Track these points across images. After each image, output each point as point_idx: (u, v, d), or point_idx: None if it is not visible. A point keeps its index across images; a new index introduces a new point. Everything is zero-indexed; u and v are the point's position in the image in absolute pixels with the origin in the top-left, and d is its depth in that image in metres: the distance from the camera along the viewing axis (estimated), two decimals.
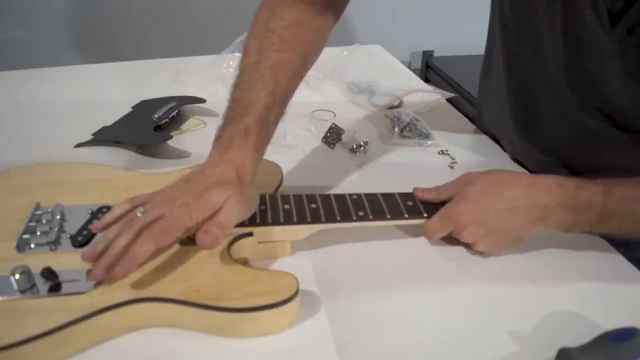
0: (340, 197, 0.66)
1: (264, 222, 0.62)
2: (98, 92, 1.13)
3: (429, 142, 0.92)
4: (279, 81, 0.65)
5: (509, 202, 0.61)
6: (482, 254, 0.64)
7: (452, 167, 0.85)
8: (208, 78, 1.15)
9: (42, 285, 0.54)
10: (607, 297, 0.59)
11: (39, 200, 0.65)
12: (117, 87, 1.16)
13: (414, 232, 0.68)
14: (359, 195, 0.67)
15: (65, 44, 1.84)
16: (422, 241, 0.67)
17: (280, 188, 0.71)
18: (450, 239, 0.65)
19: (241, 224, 0.61)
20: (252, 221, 0.61)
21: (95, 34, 1.90)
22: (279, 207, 0.64)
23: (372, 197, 0.66)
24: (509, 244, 0.63)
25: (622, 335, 0.47)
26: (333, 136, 0.90)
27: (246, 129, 0.62)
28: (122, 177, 0.71)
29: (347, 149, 0.90)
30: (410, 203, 0.66)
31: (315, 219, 0.63)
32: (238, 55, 1.14)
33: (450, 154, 0.89)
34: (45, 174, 0.70)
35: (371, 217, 0.63)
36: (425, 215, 0.65)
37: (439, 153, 0.90)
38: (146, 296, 0.52)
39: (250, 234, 0.61)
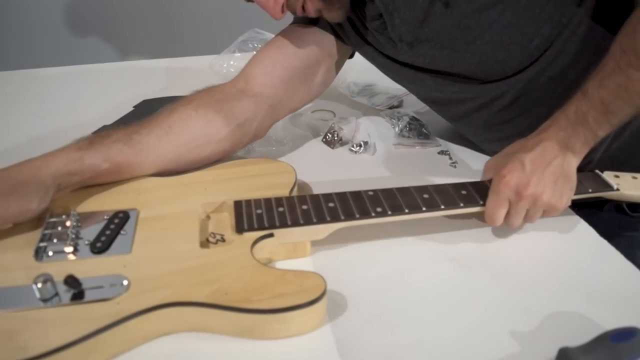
0: (357, 195, 0.66)
1: (283, 224, 0.61)
2: (98, 92, 1.12)
3: (429, 142, 0.92)
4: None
5: (533, 149, 0.65)
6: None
7: (454, 167, 0.86)
8: (208, 78, 1.13)
9: (65, 294, 0.52)
10: (607, 297, 0.59)
11: (52, 207, 0.64)
12: (117, 87, 1.15)
13: (415, 231, 0.68)
14: (374, 191, 0.66)
15: (65, 44, 1.81)
16: (422, 241, 0.67)
17: (295, 188, 0.70)
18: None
19: (262, 227, 0.60)
20: (272, 223, 0.61)
21: (95, 34, 1.86)
22: (297, 208, 0.63)
23: (388, 193, 0.66)
24: (565, 186, 0.65)
25: (622, 335, 0.47)
26: (333, 136, 0.91)
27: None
28: (136, 182, 0.70)
29: (347, 149, 0.90)
30: (426, 196, 0.66)
31: (334, 218, 0.62)
32: (238, 55, 1.15)
33: (450, 154, 0.90)
34: None
35: (389, 212, 0.63)
36: (460, 204, 0.66)
37: (439, 153, 0.90)
38: (174, 301, 0.52)
39: (271, 235, 0.61)
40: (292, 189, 0.69)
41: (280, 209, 0.63)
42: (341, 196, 0.66)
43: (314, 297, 0.52)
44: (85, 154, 0.65)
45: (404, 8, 0.73)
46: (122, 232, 0.61)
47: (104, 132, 0.70)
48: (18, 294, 0.52)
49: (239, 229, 0.60)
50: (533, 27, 0.69)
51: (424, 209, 0.64)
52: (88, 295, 0.52)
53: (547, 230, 0.69)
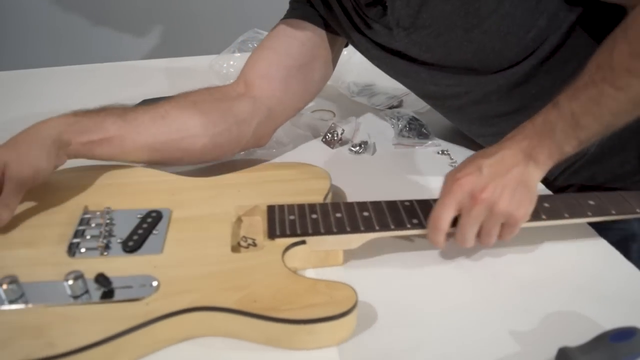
0: (392, 204, 0.64)
1: (316, 232, 0.60)
2: (98, 92, 1.12)
3: (429, 142, 0.91)
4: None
5: (492, 156, 0.61)
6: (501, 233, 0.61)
7: (454, 167, 0.84)
8: (208, 78, 1.14)
9: (95, 292, 0.52)
10: (607, 297, 0.59)
11: (87, 203, 0.64)
12: (117, 87, 1.15)
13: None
14: (411, 202, 0.65)
15: (65, 44, 1.83)
16: (422, 241, 0.66)
17: (329, 194, 0.69)
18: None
19: (294, 234, 0.59)
20: (304, 230, 0.60)
21: (95, 34, 1.88)
22: (331, 215, 0.62)
23: (425, 204, 0.64)
24: (525, 197, 0.60)
25: (622, 335, 0.47)
26: (333, 136, 0.90)
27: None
28: (170, 181, 0.70)
29: (347, 149, 0.90)
30: None
31: (369, 228, 0.61)
32: (238, 55, 1.15)
33: (450, 154, 0.88)
34: (92, 177, 0.69)
35: (426, 224, 0.62)
36: None
37: (438, 153, 0.89)
38: (202, 305, 0.51)
39: (303, 242, 0.60)
40: (326, 195, 0.68)
41: (314, 216, 0.62)
42: (376, 205, 0.64)
43: (344, 310, 0.51)
44: (81, 119, 0.67)
45: None
46: (154, 231, 0.60)
47: (100, 106, 0.71)
48: (49, 289, 0.53)
49: (271, 234, 0.60)
50: (529, 19, 0.68)
51: None
52: (117, 294, 0.52)
53: (546, 229, 0.67)
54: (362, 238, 0.61)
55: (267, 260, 0.57)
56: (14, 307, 0.51)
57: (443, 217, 0.59)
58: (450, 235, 0.60)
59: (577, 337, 0.49)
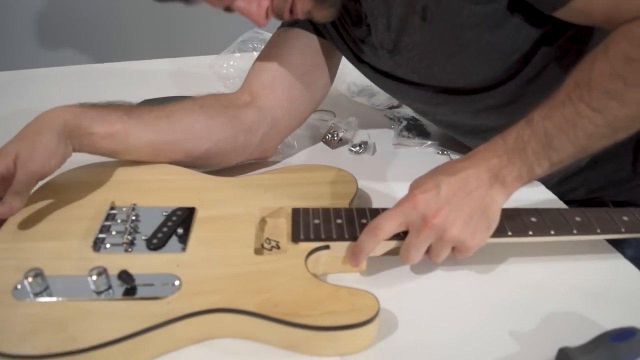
0: None
1: (340, 237, 0.59)
2: (98, 92, 1.12)
3: (429, 142, 0.91)
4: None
5: (455, 174, 0.57)
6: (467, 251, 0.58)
7: None
8: (208, 78, 1.14)
9: (118, 288, 0.53)
10: (607, 297, 0.59)
11: (114, 199, 0.65)
12: (117, 87, 1.16)
13: None
14: None
15: (65, 44, 1.85)
16: None
17: (355, 199, 0.68)
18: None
19: (318, 238, 0.59)
20: (328, 235, 0.59)
21: (96, 34, 1.89)
22: (356, 221, 0.61)
23: None
24: (481, 224, 0.57)
25: (622, 335, 0.47)
26: (333, 136, 0.90)
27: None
28: (196, 180, 0.70)
29: (347, 149, 0.90)
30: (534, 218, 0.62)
31: (394, 235, 0.60)
32: (238, 55, 1.15)
33: (450, 154, 0.88)
34: (119, 173, 0.70)
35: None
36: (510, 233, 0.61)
37: (438, 153, 0.89)
38: (223, 307, 0.51)
39: (326, 247, 0.59)
40: (352, 200, 0.67)
41: (339, 221, 0.61)
42: None
43: (366, 319, 0.50)
44: (87, 111, 0.67)
45: (387, 15, 0.70)
46: (178, 230, 0.60)
47: (106, 102, 0.71)
48: (73, 283, 0.53)
49: (295, 238, 0.59)
50: (511, 45, 0.67)
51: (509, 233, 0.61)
52: (140, 292, 0.52)
53: None
54: (386, 245, 0.60)
55: (290, 264, 0.56)
56: (37, 299, 0.51)
57: (384, 227, 0.57)
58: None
59: (577, 338, 0.49)
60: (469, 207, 0.56)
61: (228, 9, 0.68)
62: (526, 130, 0.57)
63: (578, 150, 0.57)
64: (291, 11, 0.68)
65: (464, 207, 0.56)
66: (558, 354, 0.48)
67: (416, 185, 0.59)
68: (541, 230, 0.60)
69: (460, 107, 0.78)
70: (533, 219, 0.61)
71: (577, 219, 0.62)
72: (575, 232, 0.61)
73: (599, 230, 0.61)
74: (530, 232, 0.60)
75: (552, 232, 0.60)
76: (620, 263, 0.64)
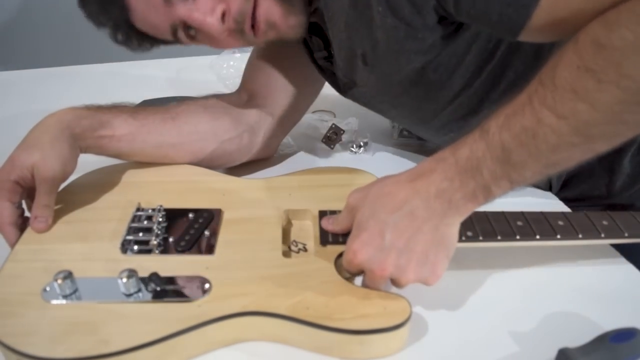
0: None
1: None
2: (98, 92, 1.10)
3: (429, 142, 0.90)
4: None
5: (400, 209, 0.51)
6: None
7: None
8: (208, 78, 1.14)
9: (147, 290, 0.52)
10: (607, 297, 0.59)
11: (140, 200, 0.64)
12: (117, 88, 1.16)
13: None
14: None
15: (65, 44, 1.84)
16: None
17: None
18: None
19: (346, 242, 0.58)
20: None
21: (95, 34, 1.90)
22: None
23: (480, 216, 0.62)
24: (439, 256, 0.52)
25: (622, 336, 0.47)
26: (333, 136, 0.90)
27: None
28: (221, 181, 0.70)
29: (347, 149, 0.90)
30: (520, 223, 0.62)
31: None
32: (238, 55, 1.15)
33: None
34: (142, 174, 0.70)
35: (481, 237, 0.60)
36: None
37: None
38: (254, 310, 0.50)
39: None
40: None
41: None
42: None
43: (398, 322, 0.50)
44: (93, 113, 0.67)
45: (337, 53, 0.70)
46: (205, 232, 0.60)
47: (111, 103, 0.71)
48: (103, 285, 0.53)
49: (323, 241, 0.59)
50: (460, 78, 0.66)
51: (517, 237, 0.60)
52: (170, 294, 0.52)
53: None
54: None
55: (319, 267, 0.56)
56: (67, 302, 0.51)
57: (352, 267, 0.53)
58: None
59: (577, 338, 0.48)
60: (420, 245, 0.51)
61: (175, 33, 0.71)
62: (480, 144, 0.49)
63: (544, 166, 0.48)
64: (253, 26, 0.64)
65: (414, 248, 0.51)
66: (558, 354, 0.47)
67: (357, 225, 0.53)
68: (547, 234, 0.60)
69: (429, 125, 0.77)
70: (534, 224, 0.61)
71: (519, 223, 0.61)
72: (580, 236, 0.60)
73: (603, 235, 0.60)
74: (538, 237, 0.60)
75: (559, 237, 0.60)
76: (620, 263, 0.64)
